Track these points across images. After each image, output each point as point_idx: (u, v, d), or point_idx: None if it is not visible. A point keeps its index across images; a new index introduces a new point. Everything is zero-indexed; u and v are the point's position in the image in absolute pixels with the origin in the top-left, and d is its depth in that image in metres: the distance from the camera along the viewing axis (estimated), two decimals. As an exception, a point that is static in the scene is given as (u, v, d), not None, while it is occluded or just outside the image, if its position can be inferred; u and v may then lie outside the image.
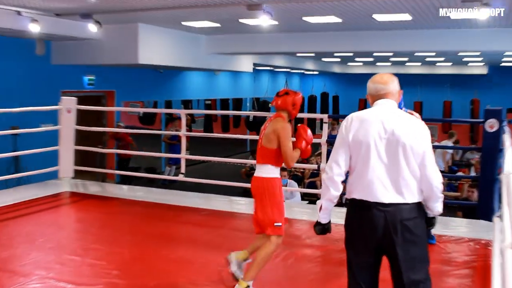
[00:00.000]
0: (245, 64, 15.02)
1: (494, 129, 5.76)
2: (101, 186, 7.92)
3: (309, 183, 11.41)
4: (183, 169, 7.39)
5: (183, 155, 7.43)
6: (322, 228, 3.16)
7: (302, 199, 9.35)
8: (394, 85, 3.00)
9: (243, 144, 19.64)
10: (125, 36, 10.20)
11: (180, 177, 7.38)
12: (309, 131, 4.18)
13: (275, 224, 3.93)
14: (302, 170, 11.58)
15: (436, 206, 2.94)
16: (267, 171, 4.04)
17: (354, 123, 2.92)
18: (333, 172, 2.95)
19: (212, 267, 4.53)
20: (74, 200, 7.15)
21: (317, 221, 3.16)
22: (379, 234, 2.81)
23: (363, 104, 22.00)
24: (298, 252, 5.05)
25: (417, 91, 21.77)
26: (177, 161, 13.31)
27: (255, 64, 16.05)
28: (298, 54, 17.24)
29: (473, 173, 10.78)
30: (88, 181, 8.06)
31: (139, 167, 13.46)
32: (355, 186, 2.92)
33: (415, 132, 2.85)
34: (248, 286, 3.90)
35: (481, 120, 5.90)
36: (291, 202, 8.24)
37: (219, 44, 12.17)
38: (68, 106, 7.61)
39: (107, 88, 12.79)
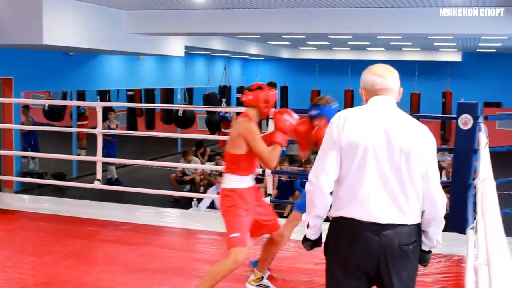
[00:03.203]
0: (175, 47, 14.97)
1: (469, 126, 5.93)
2: (-4, 197, 7.74)
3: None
4: (99, 175, 7.32)
5: (99, 158, 7.35)
6: (312, 244, 3.11)
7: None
8: (396, 79, 2.96)
9: (173, 144, 19.57)
10: (26, 10, 9.97)
11: (96, 185, 7.30)
12: (285, 117, 4.31)
13: (231, 235, 4.10)
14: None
15: (437, 233, 2.95)
16: (226, 180, 4.24)
17: (348, 122, 2.83)
18: (319, 182, 2.85)
19: (136, 293, 4.51)
20: (-39, 214, 6.96)
21: (305, 236, 3.11)
22: (371, 263, 2.79)
23: (316, 95, 22.31)
24: (239, 273, 5.09)
25: (380, 81, 22.29)
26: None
27: (187, 47, 16.00)
28: (239, 36, 17.32)
29: (444, 178, 11.12)
30: (-21, 190, 7.86)
31: (44, 172, 13.22)
32: (345, 200, 2.84)
33: (420, 138, 2.82)
34: None
35: (454, 115, 6.06)
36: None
37: (143, 21, 12.08)
38: (-47, 97, 7.40)
39: (2, 75, 12.48)
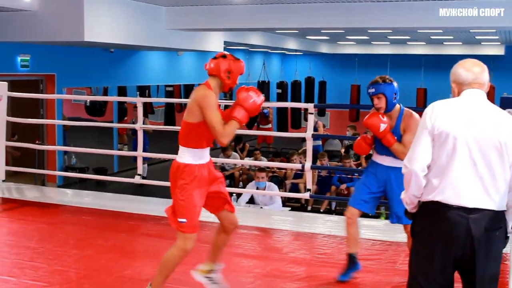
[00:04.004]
0: (214, 42, 15.00)
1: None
2: (40, 191, 7.88)
3: (291, 185, 11.50)
4: (140, 170, 7.39)
5: (140, 153, 7.43)
6: (412, 216, 3.23)
7: (283, 205, 9.42)
8: (486, 74, 3.16)
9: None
10: (67, 7, 10.10)
11: (137, 179, 7.38)
12: (251, 94, 3.96)
13: (179, 219, 3.89)
14: (284, 171, 11.66)
15: None
16: (181, 154, 3.96)
17: (441, 113, 3.02)
18: (412, 166, 3.04)
19: (173, 286, 4.54)
20: (6, 208, 7.10)
21: (406, 209, 3.27)
22: (458, 246, 2.92)
23: (356, 91, 22.16)
24: (278, 268, 5.10)
25: (421, 75, 22.01)
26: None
27: (226, 43, 16.01)
28: (278, 31, 17.27)
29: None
30: (24, 184, 8.00)
31: (86, 167, 13.40)
32: (434, 185, 3.01)
33: (509, 130, 2.98)
34: None
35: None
36: (270, 209, 8.30)
37: (182, 17, 12.13)
38: (-2, 93, 7.55)
39: (45, 71, 12.68)
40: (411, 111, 4.64)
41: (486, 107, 3.06)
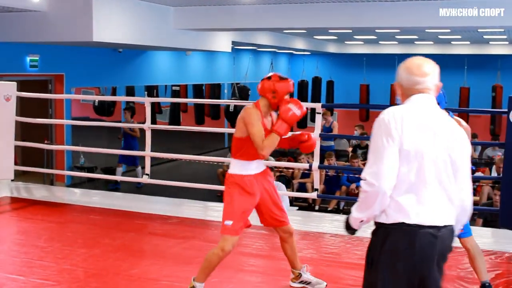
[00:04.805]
0: (222, 42, 15.00)
1: (520, 121, 5.84)
2: (48, 190, 7.90)
3: (299, 185, 11.50)
4: (147, 170, 7.40)
5: (148, 153, 7.44)
6: (353, 232, 3.08)
7: (291, 204, 9.41)
8: (437, 76, 2.92)
9: (221, 139, 19.63)
10: (76, 8, 10.13)
11: (145, 179, 7.39)
12: (290, 106, 4.17)
13: (225, 222, 4.18)
14: (291, 170, 11.66)
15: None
16: (231, 165, 4.33)
17: (405, 123, 2.75)
18: (382, 186, 2.73)
19: (181, 285, 4.55)
20: (15, 207, 7.13)
21: (349, 224, 3.02)
22: (428, 265, 2.79)
23: (365, 91, 22.14)
24: (285, 268, 5.09)
25: (429, 75, 21.95)
26: (130, 160, 13.27)
27: (234, 43, 16.02)
28: (285, 31, 17.26)
29: (494, 173, 10.91)
30: (32, 184, 8.02)
31: (94, 167, 13.43)
32: (404, 206, 2.77)
33: (460, 139, 2.85)
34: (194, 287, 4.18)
35: (505, 110, 5.97)
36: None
37: (190, 17, 12.14)
38: (6, 92, 7.56)
39: (54, 71, 12.72)
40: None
41: (441, 116, 2.86)
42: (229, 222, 4.15)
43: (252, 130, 4.10)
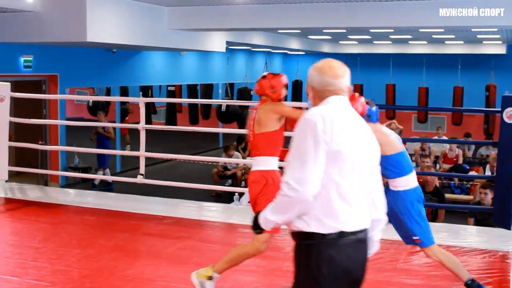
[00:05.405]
0: (216, 42, 15.00)
1: (513, 120, 5.85)
2: (43, 191, 7.88)
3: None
4: (142, 170, 7.39)
5: (143, 153, 7.43)
6: (261, 232, 2.96)
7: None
8: (348, 78, 2.88)
9: (215, 139, 19.64)
10: (70, 8, 10.10)
11: (139, 179, 7.39)
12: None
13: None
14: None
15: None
16: (265, 162, 4.29)
17: (335, 127, 2.64)
18: (307, 192, 2.57)
19: (176, 285, 4.55)
20: (9, 208, 7.11)
21: (258, 225, 2.85)
22: (362, 268, 2.76)
23: (359, 91, 22.14)
24: (281, 267, 5.09)
25: (422, 75, 21.99)
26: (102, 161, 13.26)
27: (228, 43, 16.02)
28: (280, 31, 17.27)
29: (488, 172, 10.94)
30: (26, 184, 8.00)
31: (89, 167, 13.42)
32: (334, 212, 2.64)
33: (373, 139, 2.86)
34: (211, 277, 4.13)
35: (498, 109, 5.99)
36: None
37: (184, 17, 12.13)
38: (0, 93, 7.55)
39: (48, 72, 12.69)
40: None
41: (358, 117, 2.82)
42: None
43: (287, 109, 4.32)
